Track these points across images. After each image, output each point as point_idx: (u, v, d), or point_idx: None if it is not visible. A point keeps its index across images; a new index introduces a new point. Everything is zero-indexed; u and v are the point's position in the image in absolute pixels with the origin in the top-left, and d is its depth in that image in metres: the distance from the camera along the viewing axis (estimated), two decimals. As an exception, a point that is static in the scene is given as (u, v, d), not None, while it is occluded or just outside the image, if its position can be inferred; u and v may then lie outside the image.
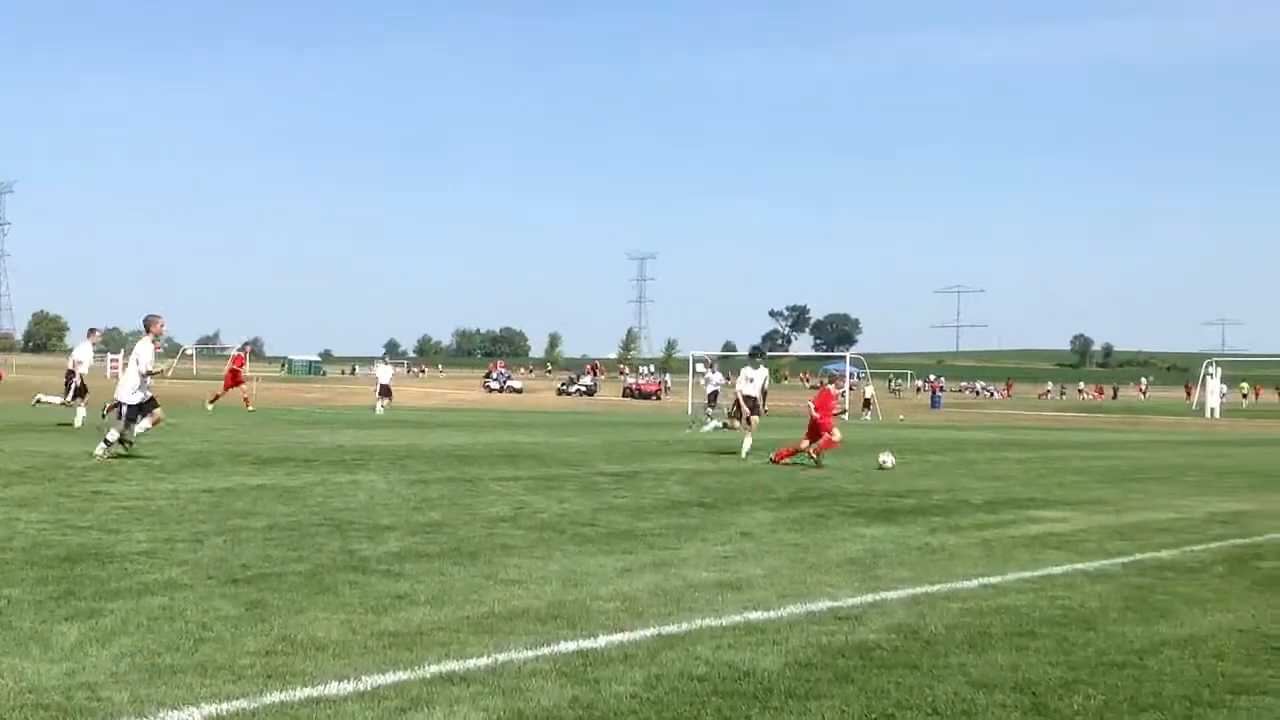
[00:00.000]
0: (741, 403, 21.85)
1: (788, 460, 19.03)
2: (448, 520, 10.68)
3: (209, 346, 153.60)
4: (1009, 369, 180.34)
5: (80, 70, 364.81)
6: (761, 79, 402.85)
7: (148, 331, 16.64)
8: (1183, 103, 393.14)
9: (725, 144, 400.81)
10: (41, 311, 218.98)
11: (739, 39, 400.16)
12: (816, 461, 19.00)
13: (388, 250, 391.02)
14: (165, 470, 14.58)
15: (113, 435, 15.76)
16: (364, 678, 5.31)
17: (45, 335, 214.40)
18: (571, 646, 5.98)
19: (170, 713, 4.77)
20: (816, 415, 19.46)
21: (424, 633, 6.22)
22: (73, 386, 23.80)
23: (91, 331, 26.20)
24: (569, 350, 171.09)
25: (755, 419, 21.33)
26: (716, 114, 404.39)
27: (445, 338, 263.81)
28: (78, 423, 22.66)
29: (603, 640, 6.13)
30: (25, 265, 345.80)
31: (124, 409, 16.05)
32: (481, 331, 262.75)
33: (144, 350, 16.33)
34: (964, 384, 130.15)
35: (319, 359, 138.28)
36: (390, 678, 5.34)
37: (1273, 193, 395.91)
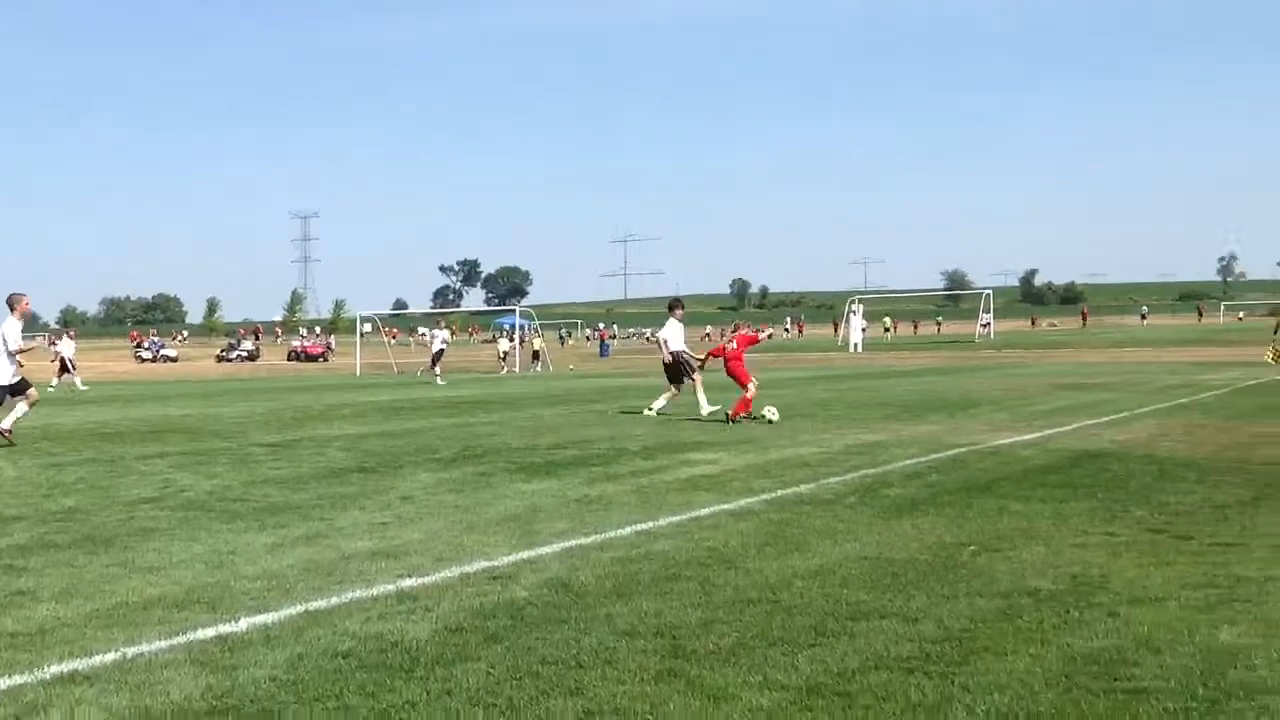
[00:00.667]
0: (687, 359, 20.22)
1: (744, 415, 18.24)
2: (82, 506, 10.03)
3: None
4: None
5: None
6: (419, 34, 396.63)
7: (12, 310, 16.08)
8: (811, 39, 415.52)
9: (387, 98, 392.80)
10: None
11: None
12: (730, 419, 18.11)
13: (21, 215, 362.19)
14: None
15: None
16: (-23, 686, 4.93)
17: None
18: (210, 633, 5.73)
19: None
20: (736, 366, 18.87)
21: (46, 630, 5.82)
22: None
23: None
24: (230, 315, 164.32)
25: (698, 375, 20.09)
26: (375, 68, 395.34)
27: (91, 307, 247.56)
28: None
29: (244, 623, 5.91)
30: None
31: None
32: (132, 299, 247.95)
33: (11, 329, 15.79)
34: (631, 331, 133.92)
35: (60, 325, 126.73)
36: (5, 682, 4.97)
37: (912, 132, 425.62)
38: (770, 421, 17.68)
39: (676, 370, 20.24)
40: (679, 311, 20.62)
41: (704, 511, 9.39)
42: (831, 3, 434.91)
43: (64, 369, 37.00)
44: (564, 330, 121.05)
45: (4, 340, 15.73)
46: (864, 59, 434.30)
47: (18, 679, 5.02)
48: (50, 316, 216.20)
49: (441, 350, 40.75)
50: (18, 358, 15.85)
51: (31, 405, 16.44)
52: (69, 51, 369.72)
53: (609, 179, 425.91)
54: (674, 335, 20.24)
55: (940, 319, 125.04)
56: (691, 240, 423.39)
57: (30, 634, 5.77)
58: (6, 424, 15.67)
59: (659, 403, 20.11)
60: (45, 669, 5.16)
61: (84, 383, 37.05)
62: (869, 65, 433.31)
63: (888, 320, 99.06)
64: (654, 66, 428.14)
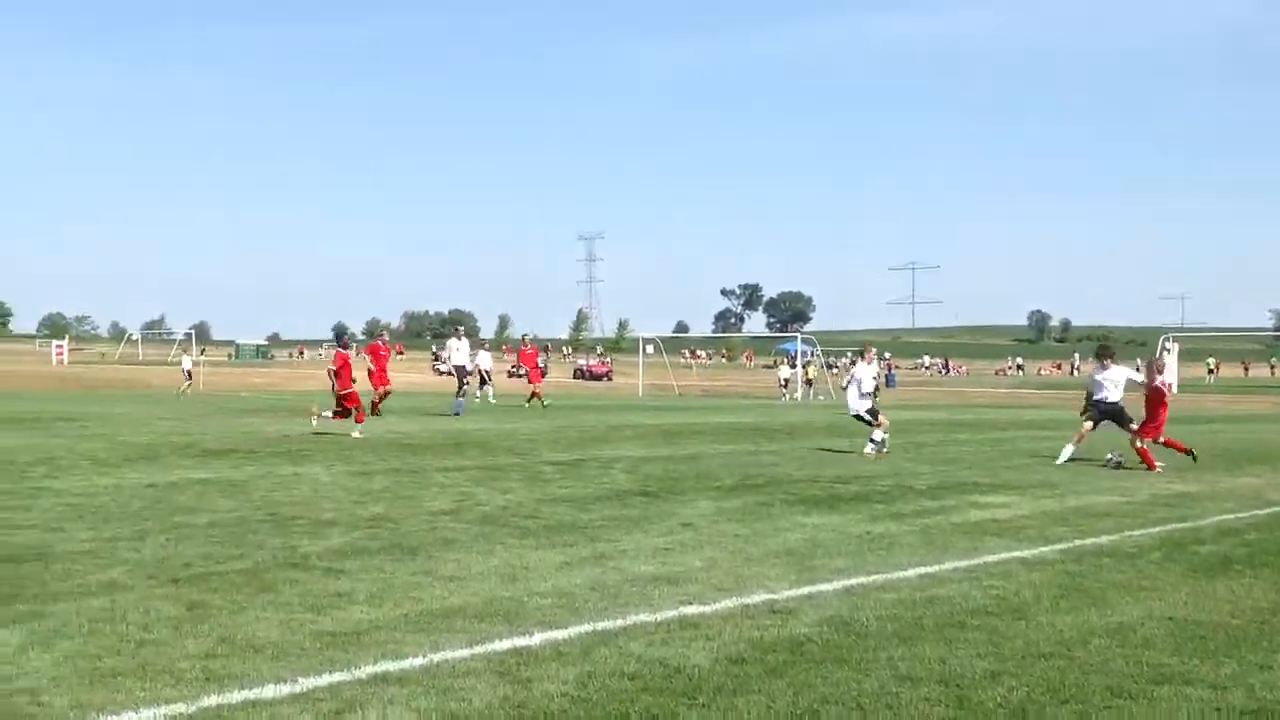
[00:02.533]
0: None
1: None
2: (390, 514, 10.73)
3: (154, 332, 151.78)
4: (965, 345, 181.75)
5: None
6: (700, 59, 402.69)
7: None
8: (1150, 79, 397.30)
9: (673, 123, 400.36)
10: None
11: (678, 24, 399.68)
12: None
13: (334, 233, 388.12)
14: (109, 464, 14.50)
15: None
16: (300, 679, 5.37)
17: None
18: (506, 645, 6.05)
19: (109, 717, 4.81)
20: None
21: (361, 632, 6.28)
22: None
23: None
24: (519, 332, 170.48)
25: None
26: (660, 94, 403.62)
27: (394, 320, 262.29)
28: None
29: (538, 638, 6.21)
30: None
31: None
32: (430, 313, 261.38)
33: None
34: (917, 361, 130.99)
35: (266, 343, 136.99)
36: (326, 679, 5.40)
37: (1234, 168, 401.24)
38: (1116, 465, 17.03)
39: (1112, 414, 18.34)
40: (1107, 360, 18.83)
41: (993, 558, 9.17)
42: (1185, 26, 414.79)
43: (482, 381, 37.52)
44: (835, 359, 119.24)
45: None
46: (1180, 80, 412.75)
47: (337, 676, 5.44)
48: (357, 327, 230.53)
49: (468, 370, 33.23)
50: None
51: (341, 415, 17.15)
52: (395, 73, 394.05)
53: (889, 204, 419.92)
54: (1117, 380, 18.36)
55: (1275, 360, 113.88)
56: (977, 268, 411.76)
57: (347, 634, 6.24)
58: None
59: (1067, 451, 18.22)
60: (361, 669, 5.57)
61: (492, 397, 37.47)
62: (1182, 86, 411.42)
63: (1211, 361, 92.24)
64: (944, 85, 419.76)
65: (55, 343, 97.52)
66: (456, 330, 36.02)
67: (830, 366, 65.91)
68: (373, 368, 24.94)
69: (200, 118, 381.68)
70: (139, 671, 5.47)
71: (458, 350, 32.41)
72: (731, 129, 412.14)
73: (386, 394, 25.55)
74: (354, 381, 20.27)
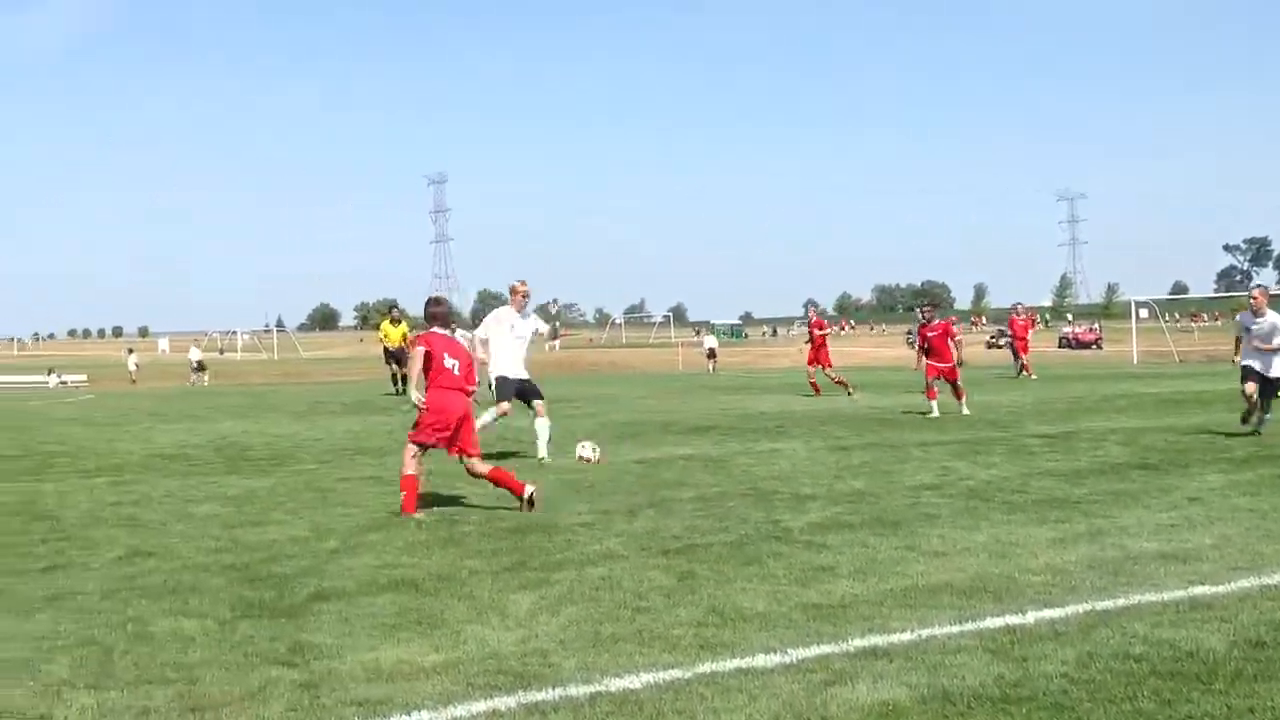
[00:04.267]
0: None
1: None
2: (870, 489, 10.67)
3: (636, 315, 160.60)
4: None
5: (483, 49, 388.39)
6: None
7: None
8: None
9: (1150, 65, 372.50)
10: (485, 290, 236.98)
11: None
12: None
13: (802, 210, 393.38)
14: (601, 442, 15.42)
15: None
16: (789, 650, 5.42)
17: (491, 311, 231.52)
18: (998, 622, 5.82)
19: (613, 680, 5.05)
20: None
21: (847, 605, 6.25)
22: None
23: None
24: (996, 300, 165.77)
25: None
26: (1129, 33, 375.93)
27: (865, 294, 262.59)
28: None
29: (1031, 616, 5.92)
30: (468, 247, 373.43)
31: None
32: (902, 286, 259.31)
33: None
34: None
35: (740, 322, 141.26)
36: (815, 650, 5.41)
37: None
38: None
39: None
40: None
41: None
42: None
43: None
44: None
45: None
46: None
47: (825, 648, 5.44)
48: (829, 303, 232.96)
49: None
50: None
51: None
52: (832, 51, 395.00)
53: None
54: None
55: None
56: None
57: (832, 607, 6.23)
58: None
59: None
60: (849, 641, 5.54)
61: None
62: None
63: None
64: None
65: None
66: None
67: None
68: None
69: (649, 99, 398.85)
70: (637, 637, 5.73)
71: None
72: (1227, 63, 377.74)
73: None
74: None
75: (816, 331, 27.09)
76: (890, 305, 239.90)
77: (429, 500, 10.09)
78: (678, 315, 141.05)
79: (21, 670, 5.34)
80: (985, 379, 32.73)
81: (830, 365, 26.54)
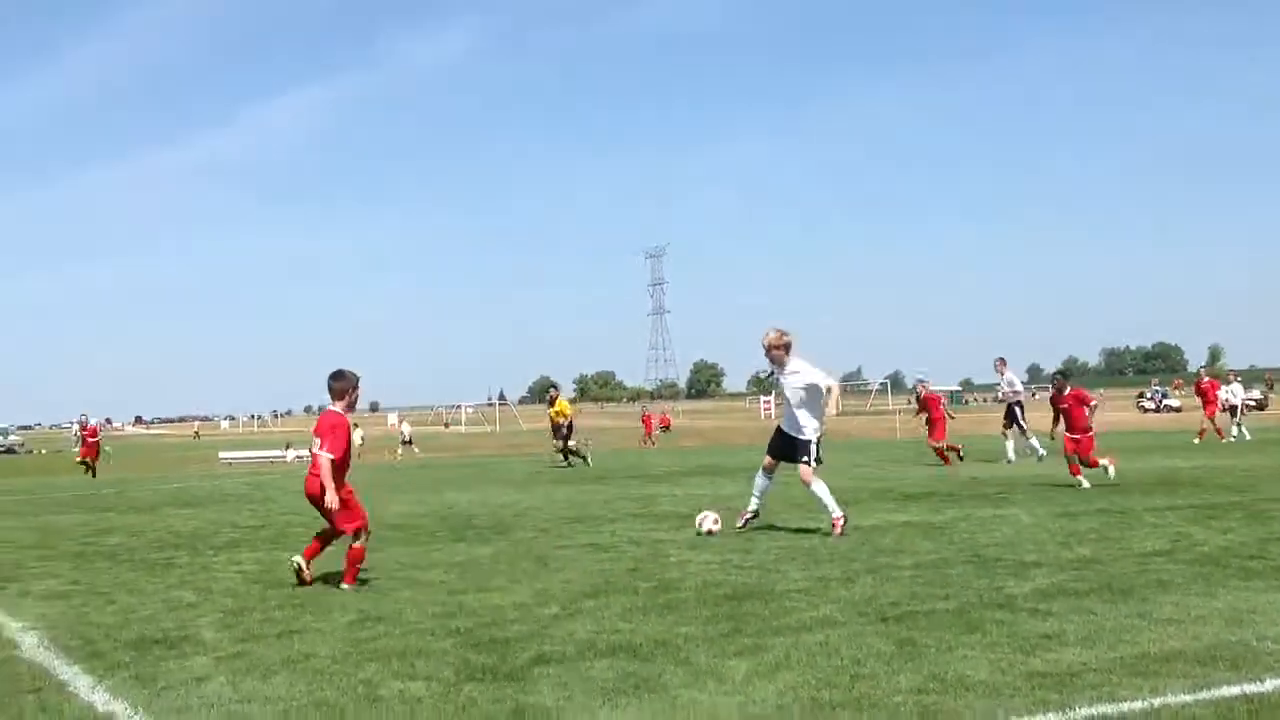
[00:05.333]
0: None
1: None
2: (1097, 555, 10.27)
3: (852, 383, 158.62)
4: None
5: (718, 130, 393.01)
6: None
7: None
8: None
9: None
10: (700, 360, 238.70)
11: None
12: None
13: (1023, 272, 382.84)
14: (817, 509, 15.31)
15: None
16: (1014, 718, 5.28)
17: (705, 382, 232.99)
18: (1234, 690, 5.54)
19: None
20: None
21: (1074, 674, 6.04)
22: None
23: None
24: (1235, 361, 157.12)
25: None
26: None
27: (1092, 357, 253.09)
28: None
29: (1270, 684, 5.62)
30: (683, 319, 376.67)
31: None
32: (1131, 348, 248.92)
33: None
34: None
35: (959, 388, 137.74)
36: (1041, 719, 5.26)
37: None
38: None
39: None
40: None
41: None
42: None
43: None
44: None
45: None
46: None
47: (1052, 717, 5.29)
48: (1049, 366, 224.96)
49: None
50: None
51: None
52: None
53: None
54: None
55: None
56: None
57: (1059, 675, 6.03)
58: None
59: None
60: (1076, 710, 5.36)
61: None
62: None
63: None
64: None
65: (763, 398, 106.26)
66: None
67: None
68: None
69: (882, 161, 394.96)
70: (856, 704, 5.67)
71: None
72: None
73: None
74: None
75: (927, 407, 27.10)
76: (1119, 369, 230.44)
77: (644, 572, 10.21)
78: (895, 383, 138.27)
79: (266, 726, 5.64)
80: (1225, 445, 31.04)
81: (943, 437, 26.60)
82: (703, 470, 27.15)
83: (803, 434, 12.78)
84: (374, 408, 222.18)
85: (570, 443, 31.42)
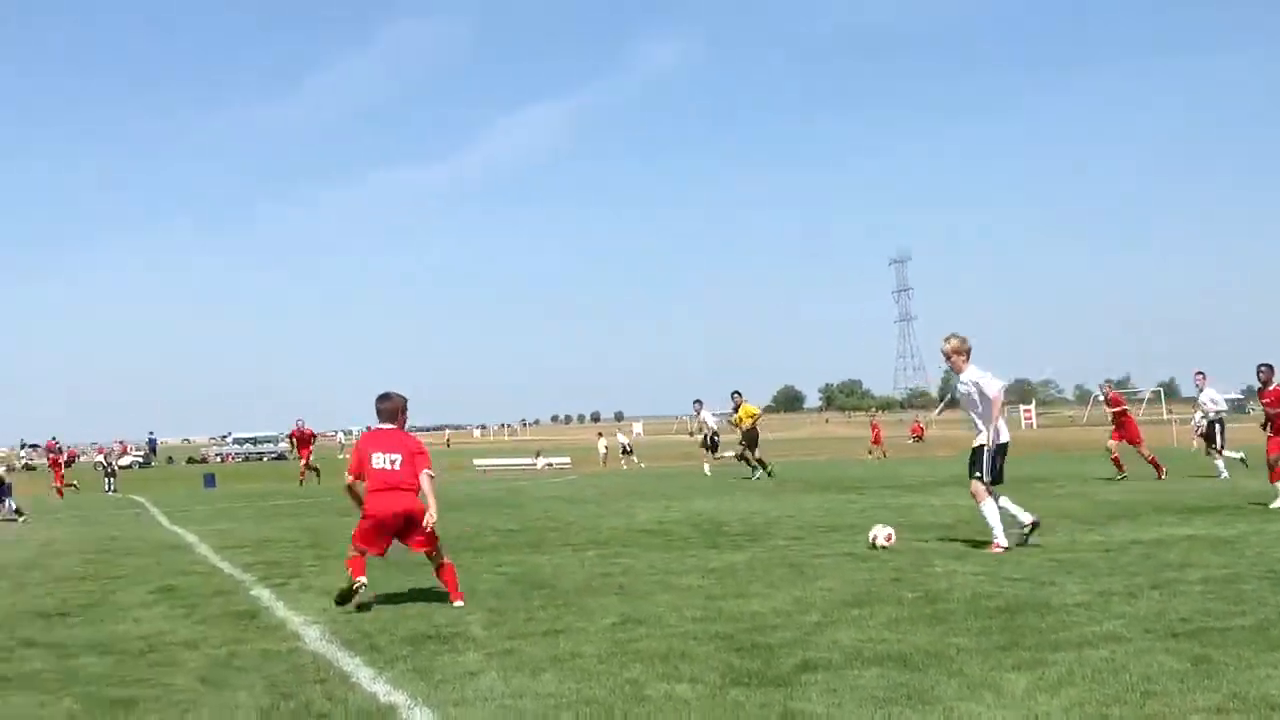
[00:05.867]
0: None
1: None
2: None
3: (1123, 391, 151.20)
4: None
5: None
6: None
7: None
8: None
9: None
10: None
11: None
12: None
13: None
14: (1091, 521, 14.59)
15: None
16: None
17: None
18: None
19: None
20: None
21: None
22: None
23: None
24: None
25: None
26: None
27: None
28: None
29: None
30: (930, 325, 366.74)
31: None
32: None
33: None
34: None
35: (1241, 396, 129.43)
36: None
37: None
38: None
39: None
40: None
41: None
42: None
43: None
44: None
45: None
46: None
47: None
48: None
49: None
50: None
51: None
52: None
53: None
54: None
55: None
56: None
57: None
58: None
59: None
60: None
61: None
62: None
63: None
64: None
65: (1023, 407, 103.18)
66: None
67: None
68: None
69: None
70: (1149, 722, 5.30)
71: None
72: None
73: None
74: None
75: (1112, 408, 25.90)
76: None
77: (908, 581, 9.90)
78: (1169, 391, 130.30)
79: (536, 723, 5.68)
80: None
81: (1140, 441, 25.31)
82: (956, 481, 26.32)
83: (975, 442, 12.16)
84: (618, 417, 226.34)
85: (755, 451, 30.52)
